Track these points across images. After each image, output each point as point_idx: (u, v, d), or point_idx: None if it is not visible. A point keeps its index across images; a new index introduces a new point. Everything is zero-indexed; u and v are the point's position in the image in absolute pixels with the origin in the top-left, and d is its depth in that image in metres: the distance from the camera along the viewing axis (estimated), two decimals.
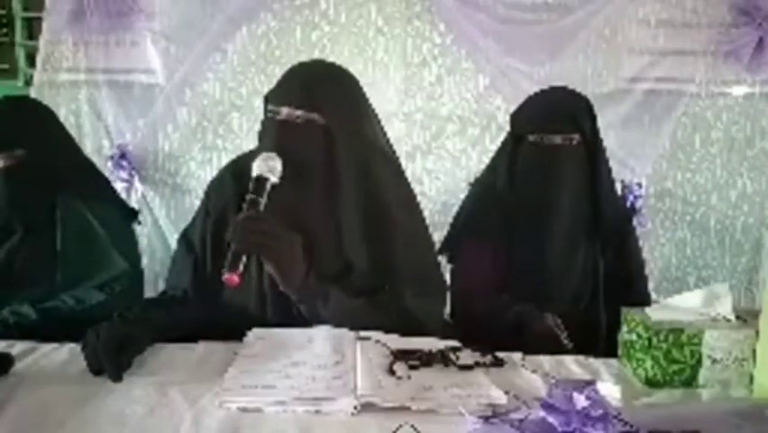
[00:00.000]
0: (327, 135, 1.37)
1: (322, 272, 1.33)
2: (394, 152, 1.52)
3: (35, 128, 1.74)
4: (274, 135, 1.37)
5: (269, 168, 1.27)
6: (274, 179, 1.27)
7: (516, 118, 1.73)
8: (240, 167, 1.45)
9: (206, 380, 1.09)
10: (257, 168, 1.27)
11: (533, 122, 1.66)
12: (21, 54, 2.76)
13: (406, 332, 1.29)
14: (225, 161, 2.63)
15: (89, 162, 1.94)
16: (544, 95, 1.73)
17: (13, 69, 2.76)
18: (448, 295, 1.67)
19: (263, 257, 1.29)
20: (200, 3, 2.58)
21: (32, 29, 2.65)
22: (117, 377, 1.09)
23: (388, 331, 1.28)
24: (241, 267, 1.20)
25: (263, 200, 1.26)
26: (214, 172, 2.59)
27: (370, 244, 1.38)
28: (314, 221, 1.37)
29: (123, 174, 2.63)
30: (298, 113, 1.35)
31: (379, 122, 1.50)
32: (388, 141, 1.50)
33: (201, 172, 2.71)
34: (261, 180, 1.26)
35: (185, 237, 1.52)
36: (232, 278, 1.20)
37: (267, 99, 1.42)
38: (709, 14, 2.57)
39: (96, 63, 2.60)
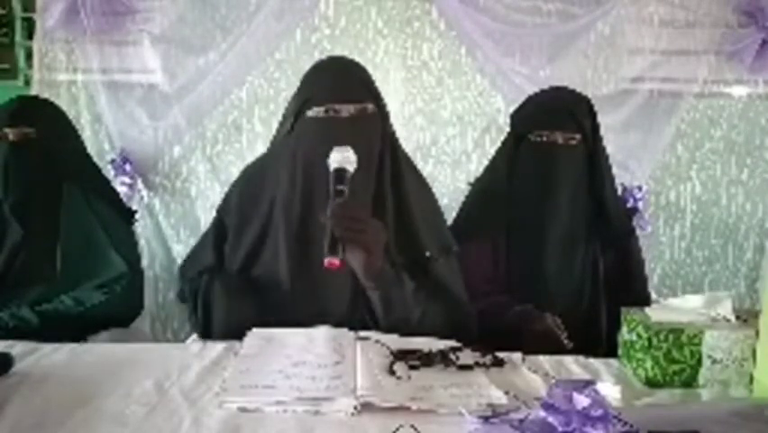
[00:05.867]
0: (381, 122, 1.43)
1: (392, 260, 1.39)
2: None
3: (47, 116, 1.83)
4: (333, 130, 1.37)
5: (346, 159, 1.30)
6: (352, 169, 1.30)
7: (516, 117, 1.73)
8: (257, 169, 1.56)
9: (206, 380, 1.10)
10: (335, 161, 1.29)
11: (534, 120, 1.66)
12: (21, 54, 2.76)
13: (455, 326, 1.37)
14: (226, 164, 2.67)
15: (93, 162, 1.99)
16: (545, 94, 1.73)
17: (13, 69, 2.76)
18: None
19: (354, 243, 1.28)
20: (200, 4, 2.57)
21: (32, 29, 2.64)
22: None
23: (443, 324, 1.35)
24: (340, 252, 1.23)
25: (347, 190, 1.27)
26: (214, 175, 2.65)
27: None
28: (384, 210, 1.41)
29: (126, 179, 2.62)
30: (352, 107, 1.39)
31: None
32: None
33: (201, 175, 2.70)
34: (342, 172, 1.29)
35: (219, 217, 1.55)
36: (333, 261, 1.22)
37: (302, 102, 1.42)
38: (713, 15, 2.55)
39: (96, 64, 2.59)
